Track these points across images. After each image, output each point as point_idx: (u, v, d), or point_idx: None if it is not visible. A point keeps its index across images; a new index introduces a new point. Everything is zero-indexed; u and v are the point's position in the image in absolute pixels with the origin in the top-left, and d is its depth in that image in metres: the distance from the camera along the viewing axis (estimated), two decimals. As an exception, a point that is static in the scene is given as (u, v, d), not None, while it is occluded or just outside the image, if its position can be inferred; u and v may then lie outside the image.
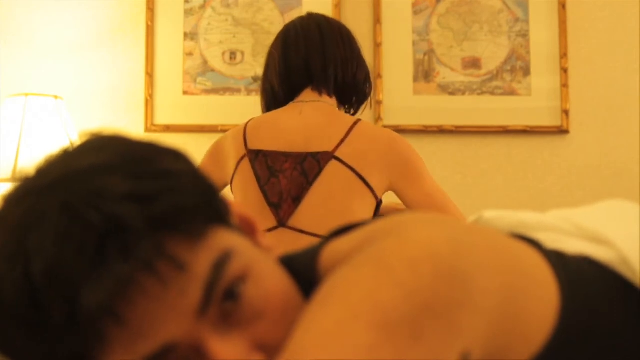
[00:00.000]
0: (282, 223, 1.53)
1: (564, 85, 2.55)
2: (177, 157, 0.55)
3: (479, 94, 2.56)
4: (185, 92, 2.56)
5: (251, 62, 2.57)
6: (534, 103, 2.55)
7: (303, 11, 2.58)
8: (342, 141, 1.54)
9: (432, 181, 1.60)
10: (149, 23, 2.56)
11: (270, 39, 2.64)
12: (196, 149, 2.45)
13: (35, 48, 2.54)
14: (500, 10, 2.59)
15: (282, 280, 0.57)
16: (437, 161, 2.52)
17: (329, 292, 0.49)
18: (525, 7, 2.59)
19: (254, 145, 1.58)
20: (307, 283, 0.58)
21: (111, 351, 0.49)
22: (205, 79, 2.56)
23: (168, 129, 2.53)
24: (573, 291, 0.57)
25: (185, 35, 2.57)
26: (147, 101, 2.54)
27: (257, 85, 2.56)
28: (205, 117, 2.54)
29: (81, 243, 0.47)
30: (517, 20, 2.59)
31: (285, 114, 1.60)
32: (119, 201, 0.48)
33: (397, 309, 0.46)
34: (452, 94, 2.54)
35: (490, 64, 2.57)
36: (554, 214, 0.72)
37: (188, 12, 2.58)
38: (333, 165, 1.52)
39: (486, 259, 0.52)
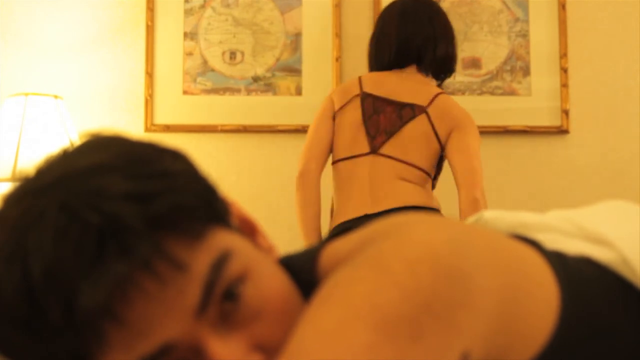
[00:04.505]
0: (374, 150, 1.95)
1: (564, 85, 2.55)
2: (176, 157, 0.55)
3: (478, 94, 2.56)
4: (185, 92, 2.56)
5: (251, 62, 2.57)
6: (533, 103, 2.55)
7: (303, 11, 2.59)
8: (430, 102, 1.95)
9: (475, 149, 1.95)
10: (149, 23, 2.56)
11: (270, 38, 2.65)
12: (196, 149, 2.46)
13: (35, 48, 2.55)
14: (500, 10, 2.59)
15: (282, 280, 0.57)
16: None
17: (329, 293, 0.49)
18: (525, 7, 2.59)
19: (366, 89, 2.00)
20: (306, 284, 0.58)
21: (110, 351, 0.49)
22: (205, 78, 2.56)
23: (168, 128, 2.53)
24: (573, 291, 0.57)
25: (185, 35, 2.57)
26: (147, 101, 2.54)
27: (257, 85, 2.56)
28: (205, 117, 2.54)
29: (80, 243, 0.47)
30: (517, 20, 2.59)
31: (391, 76, 2.03)
32: (118, 201, 0.48)
33: (396, 310, 0.46)
34: (452, 94, 2.53)
35: (490, 64, 2.57)
36: (554, 214, 0.72)
37: (188, 12, 2.58)
38: (423, 118, 1.95)
39: (486, 259, 0.52)
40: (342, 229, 2.00)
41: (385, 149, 1.95)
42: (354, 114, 1.99)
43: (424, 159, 1.97)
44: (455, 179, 1.94)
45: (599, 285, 0.60)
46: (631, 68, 2.59)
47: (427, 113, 1.95)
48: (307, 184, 1.97)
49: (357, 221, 1.90)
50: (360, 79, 2.04)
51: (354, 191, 1.96)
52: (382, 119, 1.96)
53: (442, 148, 1.97)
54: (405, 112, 1.96)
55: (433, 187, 2.05)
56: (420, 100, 1.97)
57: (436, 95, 1.98)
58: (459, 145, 1.95)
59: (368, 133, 1.96)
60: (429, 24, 2.02)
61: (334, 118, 2.01)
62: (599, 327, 0.58)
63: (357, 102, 1.99)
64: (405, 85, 2.00)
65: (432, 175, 2.01)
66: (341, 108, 2.00)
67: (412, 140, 1.95)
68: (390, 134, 1.95)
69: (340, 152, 2.00)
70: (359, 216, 1.91)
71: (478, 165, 1.93)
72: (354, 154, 1.97)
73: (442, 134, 1.95)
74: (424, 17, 2.02)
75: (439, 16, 2.05)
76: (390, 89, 1.99)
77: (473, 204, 1.88)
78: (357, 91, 2.00)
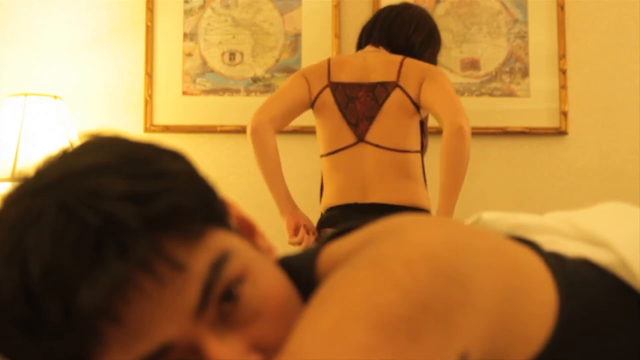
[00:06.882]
0: (360, 139, 1.98)
1: (563, 86, 2.55)
2: (175, 157, 0.55)
3: (477, 96, 2.56)
4: (184, 93, 2.56)
5: (250, 63, 2.57)
6: (532, 104, 2.56)
7: (302, 12, 2.59)
8: (399, 73, 1.98)
9: (450, 87, 1.97)
10: (149, 23, 2.56)
11: (270, 39, 2.65)
12: (195, 150, 2.46)
13: (35, 48, 2.55)
14: (499, 11, 2.60)
15: (281, 281, 0.57)
16: (436, 162, 2.52)
17: (328, 293, 0.49)
18: (524, 8, 2.60)
19: (334, 78, 2.02)
20: (306, 285, 0.58)
21: (109, 351, 0.49)
22: (204, 79, 2.56)
23: (167, 129, 2.53)
24: (571, 293, 0.57)
25: (185, 35, 2.58)
26: (146, 101, 2.54)
27: (256, 86, 2.56)
28: (204, 117, 2.55)
29: (78, 243, 0.47)
30: (515, 21, 2.59)
31: (354, 58, 2.09)
32: (116, 201, 0.48)
33: (395, 310, 0.46)
34: (451, 95, 2.54)
35: (489, 65, 2.57)
36: (552, 216, 0.72)
37: (188, 13, 2.58)
38: (397, 91, 1.97)
39: (484, 260, 0.52)
40: (330, 214, 2.01)
41: (370, 136, 1.97)
42: (330, 106, 2.01)
43: (409, 137, 1.99)
44: (437, 115, 1.91)
45: (597, 287, 0.60)
46: (630, 69, 2.59)
47: (399, 86, 1.97)
48: (260, 136, 1.94)
49: (345, 208, 1.96)
50: (329, 63, 2.06)
51: (344, 180, 1.98)
52: (359, 105, 1.98)
53: (418, 108, 1.98)
54: (378, 91, 1.98)
55: (424, 149, 2.09)
56: (388, 75, 1.99)
57: (401, 63, 2.00)
58: (432, 86, 1.94)
59: (349, 122, 1.99)
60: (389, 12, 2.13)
61: (312, 104, 2.03)
62: (597, 328, 0.58)
63: (329, 94, 2.01)
64: (370, 62, 2.03)
65: (421, 145, 2.05)
66: (317, 97, 2.01)
67: (393, 118, 1.97)
68: (371, 118, 1.97)
69: (327, 146, 2.03)
70: (347, 203, 1.96)
71: (457, 97, 1.93)
72: (341, 147, 2.00)
73: (414, 94, 1.96)
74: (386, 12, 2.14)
75: (407, 10, 2.13)
76: (357, 71, 2.01)
77: (458, 133, 1.82)
78: (326, 81, 2.02)
